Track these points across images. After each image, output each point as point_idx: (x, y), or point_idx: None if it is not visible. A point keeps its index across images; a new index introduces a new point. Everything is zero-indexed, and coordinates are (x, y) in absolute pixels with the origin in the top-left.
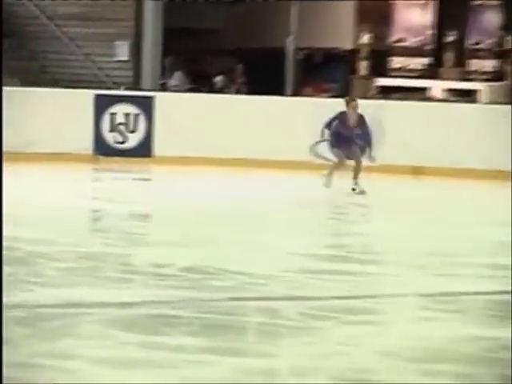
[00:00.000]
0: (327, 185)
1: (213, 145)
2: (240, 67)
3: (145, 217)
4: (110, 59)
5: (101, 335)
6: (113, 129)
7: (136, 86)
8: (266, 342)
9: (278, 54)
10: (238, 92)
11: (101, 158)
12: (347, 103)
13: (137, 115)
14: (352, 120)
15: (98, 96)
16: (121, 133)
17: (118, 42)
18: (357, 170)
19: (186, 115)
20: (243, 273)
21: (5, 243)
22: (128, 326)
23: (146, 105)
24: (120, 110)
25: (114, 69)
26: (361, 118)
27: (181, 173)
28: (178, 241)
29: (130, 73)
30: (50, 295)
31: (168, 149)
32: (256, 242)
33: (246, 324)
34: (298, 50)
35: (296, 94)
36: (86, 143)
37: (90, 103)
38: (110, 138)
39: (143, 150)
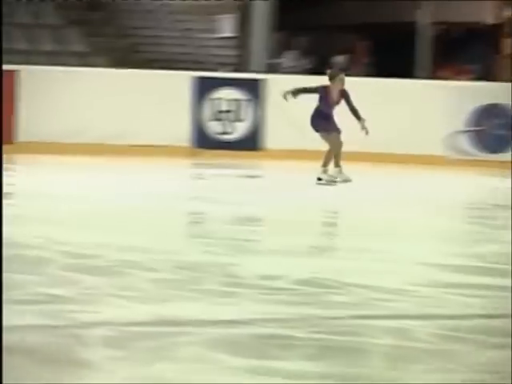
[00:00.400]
0: (329, 180)
1: None
2: (364, 45)
3: (253, 220)
4: (211, 36)
5: (202, 359)
6: (215, 117)
7: (242, 67)
8: (394, 367)
9: (409, 30)
10: (361, 74)
11: (200, 151)
12: (332, 77)
13: (243, 101)
14: (335, 96)
15: (197, 79)
16: (224, 122)
17: (221, 16)
18: (337, 155)
19: (301, 101)
20: (367, 286)
21: (86, 250)
22: (233, 348)
23: (254, 89)
24: (224, 95)
25: (217, 47)
26: (344, 94)
27: (296, 169)
28: (291, 249)
29: (236, 52)
30: (143, 311)
31: (280, 141)
32: (382, 251)
33: (372, 346)
34: (432, 25)
35: (430, 76)
36: (183, 134)
37: (188, 87)
38: (212, 128)
39: (251, 142)
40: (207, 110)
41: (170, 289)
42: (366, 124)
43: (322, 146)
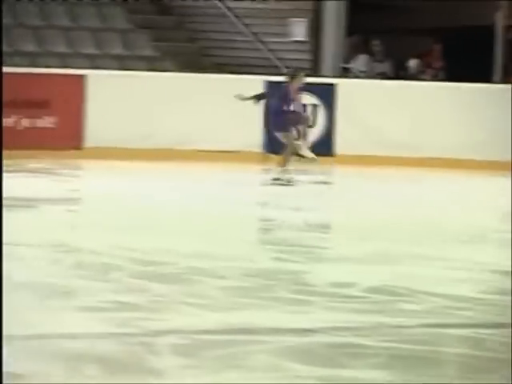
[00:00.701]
0: (289, 180)
1: (404, 141)
2: (438, 49)
3: (325, 227)
4: (283, 40)
5: (273, 367)
6: None
7: (314, 71)
8: (468, 377)
9: (485, 33)
10: (435, 78)
11: (272, 156)
12: (294, 77)
13: (315, 106)
14: (291, 95)
15: (268, 83)
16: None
17: (293, 20)
18: (290, 156)
19: (373, 106)
20: (440, 294)
21: (155, 257)
22: (304, 357)
23: (326, 94)
24: None
25: (289, 51)
26: (298, 94)
27: (368, 175)
28: (363, 256)
29: (308, 56)
30: (212, 319)
31: (352, 146)
32: (454, 259)
33: (444, 356)
34: (510, 27)
35: (507, 81)
36: (255, 139)
37: (259, 91)
38: None
39: (323, 147)
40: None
41: (239, 296)
42: (442, 127)
43: (394, 151)
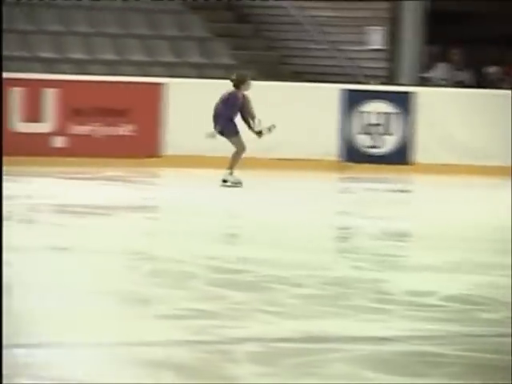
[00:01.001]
0: (236, 182)
1: (484, 150)
2: None
3: (403, 236)
4: (361, 48)
5: (349, 375)
6: (364, 131)
7: (392, 79)
8: None
9: None
10: None
11: (349, 165)
12: (242, 81)
13: (393, 115)
14: (241, 100)
15: (346, 91)
16: (373, 135)
17: (371, 28)
18: (235, 159)
19: (452, 114)
20: None
21: (232, 265)
22: (381, 365)
23: (404, 102)
24: (373, 108)
25: (366, 59)
26: (246, 97)
27: (447, 183)
28: (441, 265)
29: (385, 64)
30: (290, 327)
31: (431, 155)
32: None
33: None
34: None
35: None
36: (331, 148)
37: (337, 100)
38: (360, 141)
39: (401, 156)
40: (356, 124)
41: (317, 305)
42: None
43: (473, 160)
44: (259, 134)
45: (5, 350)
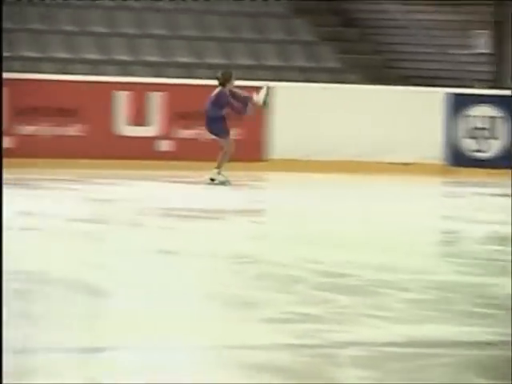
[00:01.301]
0: (223, 182)
1: None
2: None
3: (506, 240)
4: (467, 52)
5: (454, 380)
6: (469, 135)
7: (498, 83)
8: None
9: None
10: None
11: (454, 169)
12: (228, 78)
13: (498, 119)
14: (228, 98)
15: (452, 95)
16: (479, 140)
17: (476, 32)
18: (223, 159)
19: None
20: None
21: (338, 269)
22: (485, 371)
23: (509, 106)
24: (479, 112)
25: (472, 63)
26: (232, 92)
27: None
28: None
29: (491, 68)
30: (395, 332)
31: None
32: None
33: None
34: None
35: None
36: (436, 152)
37: (442, 104)
38: (466, 145)
39: (506, 160)
40: (461, 127)
41: (421, 309)
42: None
43: None
44: (264, 104)
45: (106, 352)
